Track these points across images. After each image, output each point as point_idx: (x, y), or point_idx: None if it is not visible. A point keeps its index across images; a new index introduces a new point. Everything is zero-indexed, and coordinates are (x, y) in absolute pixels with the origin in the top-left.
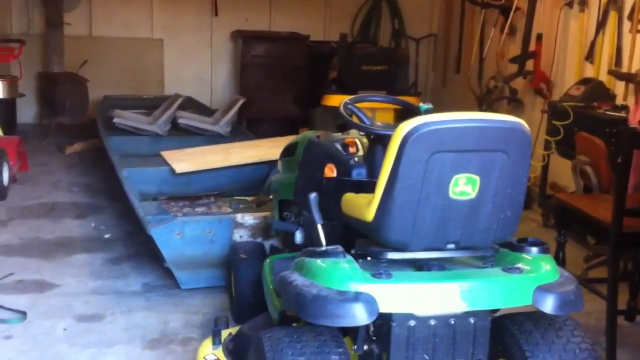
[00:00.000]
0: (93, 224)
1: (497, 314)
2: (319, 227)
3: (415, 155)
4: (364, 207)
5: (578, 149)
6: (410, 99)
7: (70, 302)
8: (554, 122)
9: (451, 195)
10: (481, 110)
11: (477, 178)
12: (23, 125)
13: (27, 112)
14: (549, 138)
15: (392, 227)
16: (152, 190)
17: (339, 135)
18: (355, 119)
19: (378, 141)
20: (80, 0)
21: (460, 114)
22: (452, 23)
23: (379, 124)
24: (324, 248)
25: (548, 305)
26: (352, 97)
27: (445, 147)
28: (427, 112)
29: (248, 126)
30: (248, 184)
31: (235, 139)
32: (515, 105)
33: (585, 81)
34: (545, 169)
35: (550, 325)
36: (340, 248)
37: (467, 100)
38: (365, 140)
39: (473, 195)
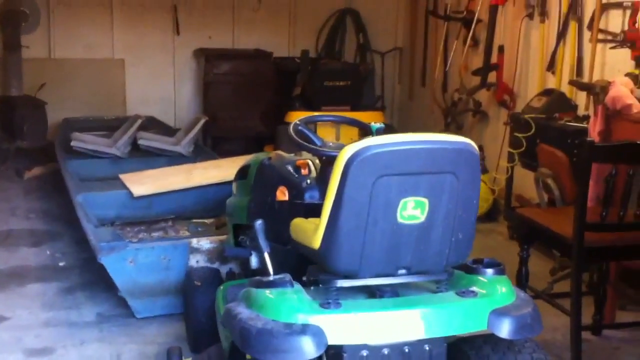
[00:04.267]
0: (48, 252)
1: (454, 338)
2: (266, 255)
3: (360, 180)
4: (311, 233)
5: (540, 161)
6: (375, 114)
7: (20, 335)
8: (516, 134)
9: (400, 219)
10: (446, 122)
11: (426, 201)
12: None
13: None
14: (511, 150)
15: (340, 254)
16: (111, 214)
17: (291, 156)
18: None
19: (330, 162)
20: (39, 22)
21: (406, 136)
22: (417, 36)
23: (330, 144)
24: (270, 278)
25: (504, 330)
26: (302, 117)
27: (391, 171)
28: (379, 131)
29: (214, 145)
30: (212, 205)
31: (197, 159)
32: (480, 117)
33: (546, 92)
34: (509, 181)
35: (509, 348)
36: (288, 277)
37: (434, 113)
38: (318, 161)
39: (422, 219)
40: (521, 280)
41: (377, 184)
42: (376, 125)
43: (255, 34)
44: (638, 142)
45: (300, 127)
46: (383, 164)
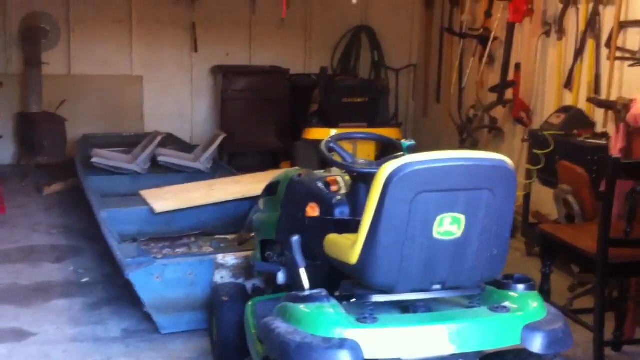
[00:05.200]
0: (72, 268)
1: (485, 353)
2: (302, 270)
3: (400, 196)
4: (348, 249)
5: (560, 178)
6: (391, 130)
7: (48, 351)
8: (535, 150)
9: (435, 235)
10: (462, 139)
11: (462, 217)
12: (1, 166)
13: (5, 153)
14: (530, 167)
15: (378, 269)
16: (132, 230)
17: (320, 173)
18: (337, 157)
19: (360, 179)
20: (59, 39)
21: (444, 153)
22: (432, 53)
23: (361, 161)
24: (307, 292)
25: (536, 344)
26: (333, 135)
27: (429, 187)
28: (410, 148)
29: (230, 160)
30: (231, 221)
31: (216, 175)
32: (495, 134)
33: (565, 109)
34: (527, 197)
35: None
36: (324, 292)
37: (448, 129)
38: (347, 177)
39: (458, 234)
40: (543, 296)
41: (416, 200)
42: (407, 142)
43: (271, 51)
44: None
45: (331, 144)
46: (422, 181)
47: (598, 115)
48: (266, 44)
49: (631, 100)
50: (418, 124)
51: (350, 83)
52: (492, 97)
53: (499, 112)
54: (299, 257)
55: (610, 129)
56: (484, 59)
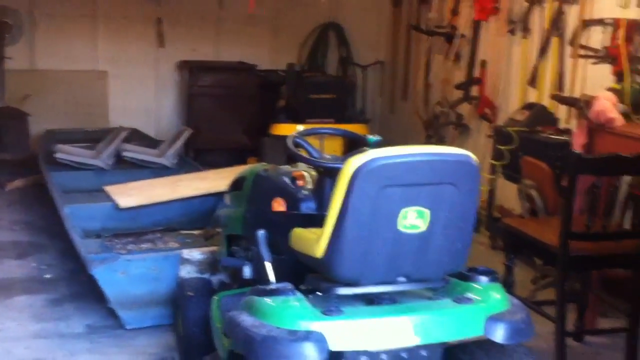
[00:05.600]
0: (34, 264)
1: (449, 344)
2: (268, 264)
3: (365, 190)
4: (314, 242)
5: (524, 173)
6: (359, 127)
7: (10, 347)
8: (499, 146)
9: (401, 229)
10: (428, 135)
11: (427, 211)
12: None
13: None
14: (494, 162)
15: (343, 262)
16: (96, 226)
17: (287, 168)
18: (303, 152)
19: (327, 174)
20: (23, 33)
21: (409, 148)
22: (399, 50)
23: (327, 156)
24: (273, 286)
25: (499, 335)
26: (299, 130)
27: (394, 182)
28: (376, 143)
29: (196, 157)
30: (197, 217)
31: (181, 170)
32: (461, 130)
33: (529, 106)
34: (491, 192)
35: (501, 353)
36: (289, 285)
37: (415, 126)
38: (314, 173)
39: (423, 228)
40: (507, 289)
41: (381, 194)
42: (373, 138)
43: (238, 47)
44: (622, 154)
45: (297, 139)
46: (388, 175)
47: (561, 112)
48: (233, 39)
49: (593, 98)
50: (385, 121)
51: (318, 79)
52: (458, 94)
53: (464, 108)
54: (264, 252)
55: (573, 125)
56: (451, 57)
